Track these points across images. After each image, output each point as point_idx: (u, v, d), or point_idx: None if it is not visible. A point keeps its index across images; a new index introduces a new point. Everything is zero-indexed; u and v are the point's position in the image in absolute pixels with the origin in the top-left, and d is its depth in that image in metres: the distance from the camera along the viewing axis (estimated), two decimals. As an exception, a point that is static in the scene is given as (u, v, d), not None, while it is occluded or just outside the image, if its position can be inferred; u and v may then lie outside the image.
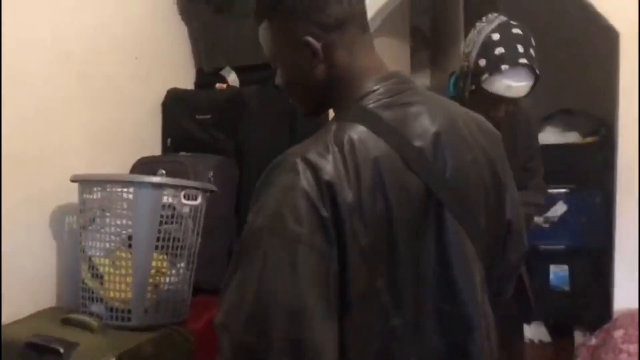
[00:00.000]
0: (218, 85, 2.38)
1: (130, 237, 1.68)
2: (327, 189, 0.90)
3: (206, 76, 2.47)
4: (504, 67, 1.63)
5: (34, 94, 1.84)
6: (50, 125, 1.89)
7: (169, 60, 2.42)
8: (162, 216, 1.68)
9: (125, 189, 1.68)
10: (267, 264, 0.89)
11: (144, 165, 2.12)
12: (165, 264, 1.72)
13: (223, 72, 2.41)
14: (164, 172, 1.99)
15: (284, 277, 0.88)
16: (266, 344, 0.87)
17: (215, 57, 2.45)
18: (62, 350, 1.48)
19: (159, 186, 1.68)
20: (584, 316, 3.01)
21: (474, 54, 1.69)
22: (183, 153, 2.23)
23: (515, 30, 1.68)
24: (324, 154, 0.93)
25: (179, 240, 1.73)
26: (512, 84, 1.65)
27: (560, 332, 3.20)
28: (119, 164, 2.12)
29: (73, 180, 1.74)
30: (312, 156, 0.92)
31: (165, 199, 1.69)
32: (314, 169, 0.91)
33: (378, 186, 0.92)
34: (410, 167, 0.95)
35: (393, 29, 3.10)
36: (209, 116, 2.24)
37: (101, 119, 2.08)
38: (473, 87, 1.69)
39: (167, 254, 1.71)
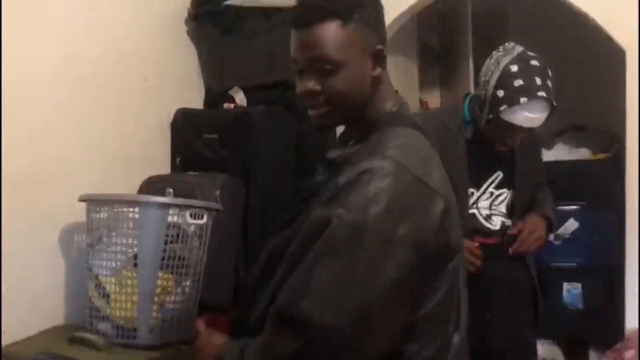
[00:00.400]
0: (226, 105, 2.41)
1: (136, 256, 1.70)
2: (426, 188, 0.98)
3: (215, 96, 2.50)
4: (522, 99, 1.66)
5: (43, 114, 1.88)
6: (60, 144, 1.93)
7: (178, 81, 2.46)
8: (167, 235, 1.70)
9: (131, 209, 1.71)
10: (371, 264, 0.92)
11: (152, 185, 2.15)
12: (170, 282, 1.73)
13: (231, 92, 2.44)
14: (171, 191, 2.01)
15: (385, 277, 0.92)
16: (368, 341, 0.93)
17: (224, 77, 2.48)
18: (67, 369, 1.50)
19: (164, 206, 1.71)
20: (598, 335, 2.96)
21: (491, 84, 1.71)
22: (191, 172, 2.26)
23: (534, 62, 1.70)
24: (403, 155, 0.98)
25: (184, 259, 1.75)
26: (530, 115, 1.68)
27: (575, 351, 3.14)
28: (129, 183, 2.15)
29: (81, 200, 1.78)
30: (398, 157, 0.97)
31: (170, 219, 1.71)
32: (406, 169, 0.97)
33: (444, 182, 1.02)
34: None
35: (401, 46, 3.12)
36: (216, 135, 2.26)
37: (111, 139, 2.12)
38: (490, 115, 1.72)
39: (172, 273, 1.73)
